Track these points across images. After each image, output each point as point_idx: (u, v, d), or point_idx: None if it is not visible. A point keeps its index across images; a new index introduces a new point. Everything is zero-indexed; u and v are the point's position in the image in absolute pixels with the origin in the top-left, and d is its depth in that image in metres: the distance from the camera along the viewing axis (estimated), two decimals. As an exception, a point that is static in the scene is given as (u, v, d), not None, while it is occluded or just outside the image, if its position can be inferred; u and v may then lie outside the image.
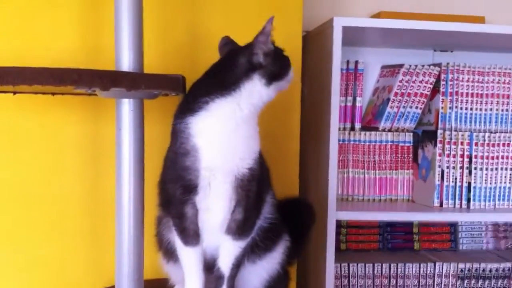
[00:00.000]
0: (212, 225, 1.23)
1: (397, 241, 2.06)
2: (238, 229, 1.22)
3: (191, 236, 1.23)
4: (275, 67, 1.21)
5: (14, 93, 1.23)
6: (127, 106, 1.15)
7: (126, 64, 1.15)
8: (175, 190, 1.20)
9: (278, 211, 1.33)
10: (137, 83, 1.05)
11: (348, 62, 1.95)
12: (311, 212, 1.52)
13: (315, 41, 1.86)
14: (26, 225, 1.52)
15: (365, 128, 1.99)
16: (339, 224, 1.99)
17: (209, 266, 1.26)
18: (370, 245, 2.04)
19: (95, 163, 1.52)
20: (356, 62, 1.95)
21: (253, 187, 1.21)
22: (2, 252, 1.52)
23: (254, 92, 1.19)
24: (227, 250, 1.23)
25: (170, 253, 1.31)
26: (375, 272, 1.88)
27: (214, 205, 1.21)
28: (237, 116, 1.18)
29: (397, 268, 1.88)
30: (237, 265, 1.25)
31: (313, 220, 1.52)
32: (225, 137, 1.18)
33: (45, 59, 1.45)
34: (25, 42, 1.47)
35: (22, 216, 1.52)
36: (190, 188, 1.18)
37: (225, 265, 1.23)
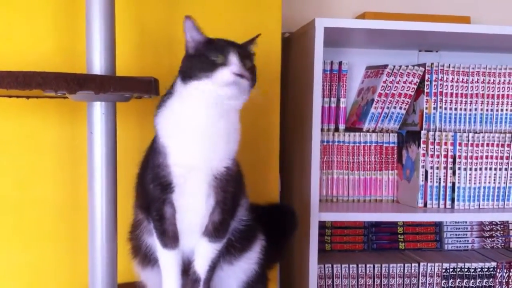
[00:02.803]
0: (189, 226, 1.24)
1: (382, 241, 2.06)
2: (215, 230, 1.22)
3: (170, 238, 1.23)
4: (186, 66, 1.16)
5: (-12, 97, 1.24)
6: (98, 109, 1.15)
7: (98, 66, 1.15)
8: (154, 189, 1.20)
9: (253, 212, 1.34)
10: (105, 86, 1.04)
11: (332, 63, 1.95)
12: (294, 218, 1.52)
13: (298, 42, 1.86)
14: (2, 229, 1.52)
15: (350, 129, 1.99)
16: (323, 225, 1.99)
17: (186, 269, 1.26)
18: (355, 245, 2.04)
19: (72, 166, 1.52)
20: (340, 63, 1.95)
21: (231, 188, 1.21)
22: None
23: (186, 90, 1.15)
24: (203, 253, 1.24)
25: (148, 258, 1.31)
26: (359, 272, 1.88)
27: (191, 204, 1.21)
28: (188, 113, 1.15)
29: (381, 268, 1.89)
30: (213, 268, 1.25)
31: (295, 226, 1.52)
32: (186, 134, 1.16)
33: (21, 63, 1.45)
34: (0, 46, 1.47)
35: (-2, 221, 1.51)
36: (165, 186, 1.19)
37: (201, 268, 1.23)
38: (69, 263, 1.54)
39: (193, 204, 1.21)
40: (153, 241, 1.26)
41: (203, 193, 1.20)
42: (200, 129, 1.16)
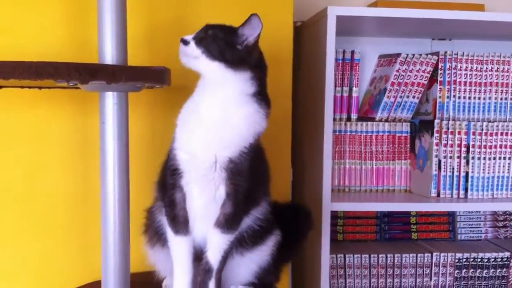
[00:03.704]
0: (198, 213, 1.24)
1: (394, 231, 2.05)
2: (227, 222, 1.22)
3: (181, 223, 1.23)
4: None
5: (0, 87, 1.23)
6: (110, 99, 1.15)
7: (109, 56, 1.15)
8: (167, 171, 1.23)
9: (271, 213, 1.33)
10: (117, 75, 1.04)
11: (344, 51, 1.93)
12: (309, 219, 1.50)
13: (310, 31, 1.85)
14: (14, 221, 1.52)
15: (362, 118, 1.98)
16: (336, 215, 1.99)
17: (197, 257, 1.26)
18: (368, 235, 2.03)
19: (84, 157, 1.52)
20: (353, 52, 1.94)
21: (242, 182, 1.21)
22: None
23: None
24: (216, 244, 1.24)
25: (157, 236, 1.31)
26: (372, 262, 1.87)
27: (198, 192, 1.21)
28: (191, 98, 1.21)
29: (393, 258, 1.88)
30: (225, 259, 1.25)
31: (309, 226, 1.51)
32: (187, 120, 1.20)
33: (32, 54, 1.44)
34: (12, 37, 1.47)
35: (10, 213, 1.52)
36: (173, 170, 1.21)
37: (213, 258, 1.23)
38: (81, 254, 1.54)
39: (201, 193, 1.21)
40: (164, 220, 1.27)
41: (210, 182, 1.20)
42: (196, 116, 1.19)
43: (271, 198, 1.34)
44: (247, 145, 1.20)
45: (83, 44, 1.47)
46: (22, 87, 1.27)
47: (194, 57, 1.18)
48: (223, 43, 1.18)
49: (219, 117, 1.18)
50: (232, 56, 1.18)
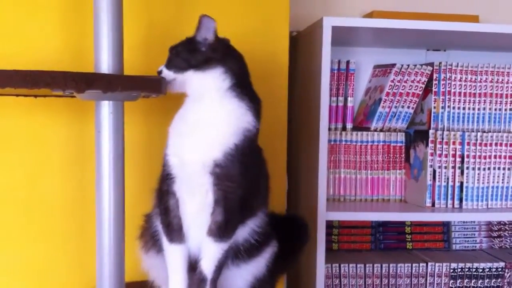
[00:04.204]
0: (191, 220, 1.23)
1: (389, 241, 2.06)
2: (219, 230, 1.21)
3: (175, 231, 1.23)
4: None
5: (-4, 95, 1.24)
6: (106, 108, 1.15)
7: (106, 65, 1.15)
8: (161, 177, 1.24)
9: (268, 224, 1.32)
10: (113, 85, 1.05)
11: (339, 62, 1.94)
12: (306, 232, 1.50)
13: (306, 41, 1.86)
14: (11, 227, 1.52)
15: (357, 128, 1.98)
16: (331, 225, 1.99)
17: (193, 266, 1.26)
18: (363, 245, 2.04)
19: (79, 165, 1.52)
20: (348, 62, 1.95)
21: (232, 188, 1.19)
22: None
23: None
24: (209, 252, 1.23)
25: (153, 241, 1.31)
26: (367, 271, 1.87)
27: (189, 198, 1.21)
28: (187, 106, 1.23)
29: (388, 268, 1.88)
30: (220, 268, 1.24)
31: (306, 239, 1.50)
32: (178, 123, 1.22)
33: (28, 62, 1.45)
34: (8, 46, 1.47)
35: (6, 219, 1.52)
36: (167, 175, 1.22)
37: (207, 268, 1.23)
38: (76, 261, 1.54)
39: (191, 199, 1.21)
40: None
41: (198, 188, 1.20)
42: (184, 121, 1.21)
43: (269, 209, 1.34)
44: (232, 146, 1.18)
45: (79, 53, 1.48)
46: (17, 95, 1.27)
47: (172, 80, 1.21)
48: (186, 54, 1.21)
49: (201, 119, 1.19)
50: (198, 60, 1.20)
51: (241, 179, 1.20)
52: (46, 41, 1.48)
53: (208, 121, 1.19)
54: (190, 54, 1.21)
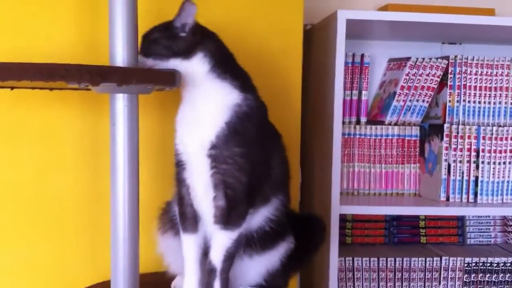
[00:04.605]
0: (202, 208, 1.24)
1: (403, 235, 2.05)
2: (223, 217, 1.20)
3: (188, 219, 1.24)
4: None
5: (12, 88, 1.24)
6: (121, 101, 1.15)
7: (120, 58, 1.16)
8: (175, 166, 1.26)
9: (285, 216, 1.31)
10: (128, 77, 1.05)
11: (354, 55, 1.93)
12: (323, 232, 1.48)
13: (320, 34, 1.85)
14: (25, 221, 1.53)
15: (371, 122, 1.98)
16: (344, 218, 1.99)
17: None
18: (376, 239, 2.03)
19: (94, 157, 1.53)
20: (362, 55, 1.94)
21: (229, 171, 1.18)
22: (2, 249, 1.53)
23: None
24: (218, 241, 1.22)
25: (171, 222, 1.32)
26: (380, 265, 1.87)
27: (197, 185, 1.22)
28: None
29: (402, 262, 1.88)
30: (229, 258, 1.23)
31: (323, 240, 1.48)
32: (180, 112, 1.23)
33: (44, 55, 1.46)
34: (24, 38, 1.47)
35: (20, 213, 1.52)
36: (177, 163, 1.24)
37: (216, 257, 1.22)
38: (90, 254, 1.55)
39: (198, 185, 1.22)
40: None
41: (201, 173, 1.20)
42: (184, 108, 1.23)
43: (287, 199, 1.32)
44: (223, 125, 1.18)
45: (94, 45, 1.49)
46: (33, 88, 1.28)
47: (152, 67, 1.19)
48: (166, 40, 1.20)
49: (194, 105, 1.20)
50: (180, 46, 1.19)
51: (240, 161, 1.19)
52: (60, 34, 1.49)
53: (198, 106, 1.20)
54: (171, 40, 1.20)
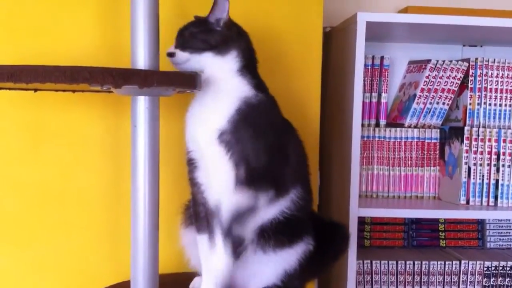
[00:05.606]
0: (215, 206, 1.23)
1: (422, 238, 2.04)
2: (239, 179, 1.20)
3: (201, 219, 1.25)
4: None
5: (35, 90, 1.26)
6: (142, 103, 1.17)
7: (142, 61, 1.17)
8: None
9: (304, 213, 1.31)
10: (149, 80, 1.06)
11: (373, 57, 1.93)
12: (346, 240, 1.46)
13: (340, 36, 1.85)
14: (47, 220, 1.55)
15: (391, 124, 1.97)
16: (363, 221, 1.98)
17: None
18: (395, 242, 2.03)
19: (115, 159, 1.55)
20: (382, 58, 1.93)
21: (245, 151, 1.19)
22: (25, 247, 1.55)
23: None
24: (229, 198, 1.21)
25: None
26: (399, 268, 1.86)
27: (212, 178, 1.22)
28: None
29: (421, 265, 1.87)
30: (236, 219, 1.22)
31: (345, 248, 1.46)
32: (191, 108, 1.25)
33: (66, 58, 1.48)
34: (47, 41, 1.50)
35: (44, 212, 1.55)
36: (188, 162, 1.26)
37: (225, 212, 1.21)
38: (111, 253, 1.57)
39: (214, 179, 1.22)
40: None
41: (218, 163, 1.20)
42: (191, 106, 1.25)
43: (306, 194, 1.32)
44: (234, 112, 1.20)
45: (116, 48, 1.50)
46: (56, 90, 1.30)
47: (185, 62, 1.23)
48: (203, 34, 1.24)
49: (204, 99, 1.23)
50: (216, 39, 1.23)
51: (255, 142, 1.21)
52: (83, 37, 1.51)
53: (208, 100, 1.22)
54: (207, 34, 1.24)
